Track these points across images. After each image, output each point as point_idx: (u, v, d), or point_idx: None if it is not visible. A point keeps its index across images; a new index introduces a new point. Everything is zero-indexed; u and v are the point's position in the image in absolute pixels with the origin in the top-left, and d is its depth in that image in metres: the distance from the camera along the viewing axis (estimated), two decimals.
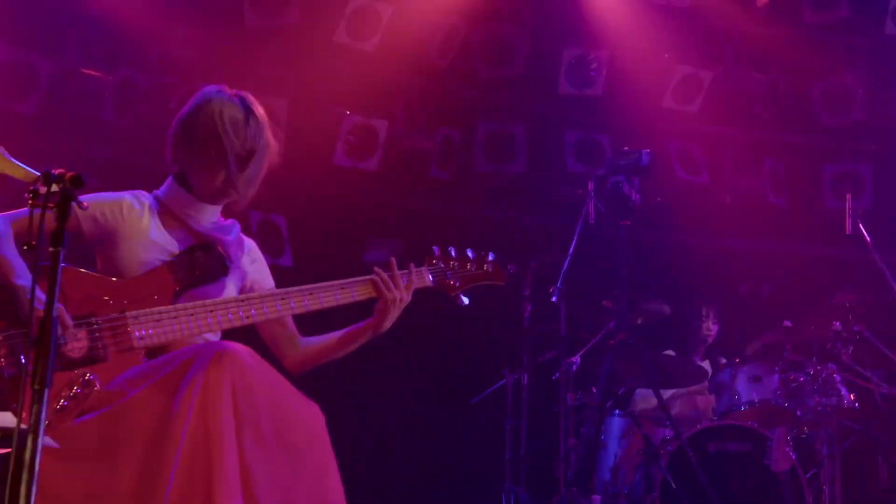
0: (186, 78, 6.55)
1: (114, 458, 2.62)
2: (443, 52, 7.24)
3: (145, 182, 3.41)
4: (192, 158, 3.15)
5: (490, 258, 3.51)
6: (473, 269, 3.45)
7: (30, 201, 2.16)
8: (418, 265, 3.37)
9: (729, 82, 7.65)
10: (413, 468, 6.73)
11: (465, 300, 3.43)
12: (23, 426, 2.04)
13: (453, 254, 3.44)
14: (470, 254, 3.48)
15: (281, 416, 2.71)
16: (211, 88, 3.26)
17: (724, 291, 7.59)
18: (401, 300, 3.24)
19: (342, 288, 3.24)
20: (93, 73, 6.24)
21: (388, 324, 3.26)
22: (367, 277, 3.25)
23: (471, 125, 7.34)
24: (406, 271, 3.27)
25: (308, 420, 2.79)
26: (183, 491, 2.52)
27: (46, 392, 1.99)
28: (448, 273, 3.40)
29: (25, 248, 2.17)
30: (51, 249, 2.10)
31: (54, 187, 2.23)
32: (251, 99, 3.27)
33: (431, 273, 3.38)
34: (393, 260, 3.27)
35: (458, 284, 3.41)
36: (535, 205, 7.46)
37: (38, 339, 2.01)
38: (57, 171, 2.22)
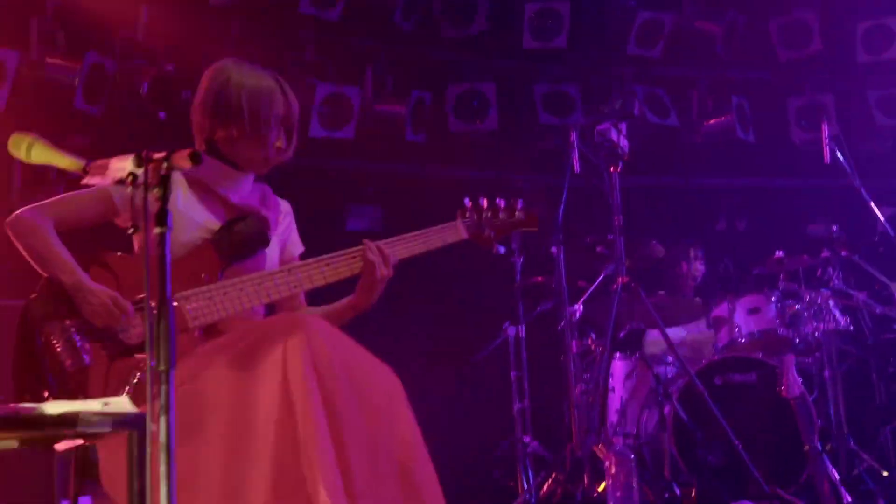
0: (154, 61, 6.48)
1: (195, 436, 2.61)
2: (406, 15, 7.21)
3: None
4: (236, 132, 3.13)
5: (520, 205, 3.50)
6: (506, 218, 3.45)
7: (129, 184, 2.13)
8: (452, 219, 3.38)
9: (689, 24, 7.73)
10: (424, 428, 6.77)
11: (502, 249, 3.44)
12: (137, 411, 2.03)
13: (484, 204, 3.43)
14: (500, 202, 3.45)
15: (360, 380, 2.71)
16: (228, 62, 3.26)
17: (702, 229, 7.72)
18: (383, 277, 3.15)
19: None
20: (60, 62, 6.12)
21: (372, 302, 3.20)
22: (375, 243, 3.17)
23: (441, 86, 7.34)
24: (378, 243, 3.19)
25: (385, 382, 2.80)
26: (278, 462, 2.52)
27: (172, 372, 1.97)
28: (482, 224, 3.41)
29: (131, 231, 2.14)
30: (156, 230, 2.07)
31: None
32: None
33: (465, 225, 3.38)
34: (366, 241, 3.18)
35: (492, 234, 3.41)
36: (513, 160, 7.49)
37: (157, 320, 1.99)
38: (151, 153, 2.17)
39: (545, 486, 5.36)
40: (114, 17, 6.39)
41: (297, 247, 3.42)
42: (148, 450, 2.01)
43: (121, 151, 6.51)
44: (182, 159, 2.17)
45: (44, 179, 6.04)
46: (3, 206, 6.00)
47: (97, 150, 6.33)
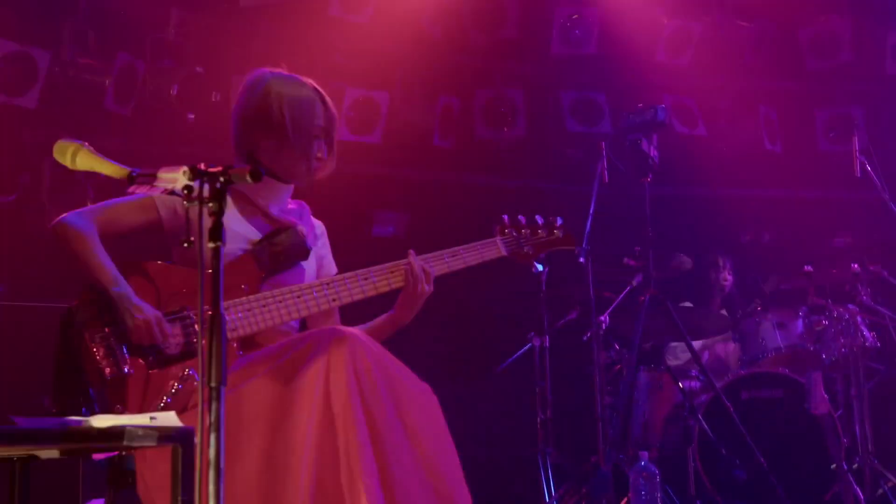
0: (184, 62, 6.48)
1: (234, 448, 2.60)
2: (435, 20, 7.20)
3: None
4: (278, 143, 3.13)
5: (559, 223, 3.49)
6: (545, 236, 3.44)
7: (185, 199, 2.11)
8: (491, 235, 3.37)
9: (718, 33, 7.69)
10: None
11: (539, 267, 3.43)
12: (183, 425, 2.02)
13: (523, 221, 3.42)
14: (539, 220, 3.46)
15: (399, 396, 2.72)
16: (265, 72, 3.26)
17: (727, 240, 7.68)
18: (424, 293, 3.17)
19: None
20: (91, 62, 6.14)
21: (411, 317, 3.23)
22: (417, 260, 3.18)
23: (469, 92, 7.32)
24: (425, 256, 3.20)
25: (422, 399, 2.81)
26: (317, 476, 2.52)
27: (223, 389, 1.97)
28: (521, 242, 3.39)
29: (185, 244, 2.13)
30: (210, 245, 2.06)
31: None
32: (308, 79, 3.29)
33: (504, 243, 3.37)
34: (412, 251, 3.21)
35: (531, 252, 3.41)
36: (541, 168, 7.47)
37: (209, 337, 1.99)
38: (205, 167, 2.16)
39: (568, 499, 5.34)
40: (145, 18, 6.41)
41: (332, 267, 3.42)
42: (197, 465, 2.00)
43: (149, 153, 6.45)
44: (241, 175, 2.15)
45: (72, 179, 6.05)
46: (32, 205, 6.05)
47: (126, 151, 6.38)
